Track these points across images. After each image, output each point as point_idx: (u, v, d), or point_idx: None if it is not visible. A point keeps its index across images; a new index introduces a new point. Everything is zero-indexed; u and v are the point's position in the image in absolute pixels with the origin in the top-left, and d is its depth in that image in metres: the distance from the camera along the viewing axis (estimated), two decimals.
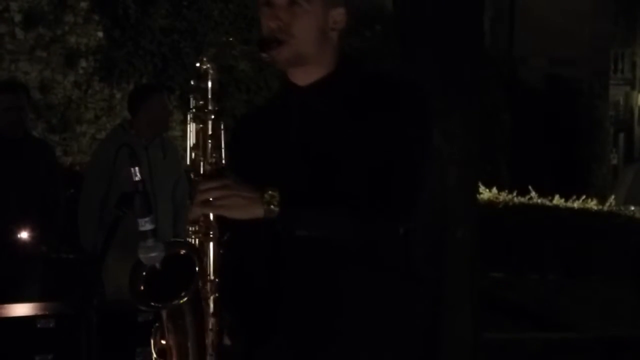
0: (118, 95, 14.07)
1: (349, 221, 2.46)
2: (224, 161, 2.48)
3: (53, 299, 5.74)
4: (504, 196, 12.73)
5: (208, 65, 2.48)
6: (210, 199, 2.41)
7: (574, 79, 25.28)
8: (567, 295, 10.64)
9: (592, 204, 13.23)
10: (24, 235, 5.96)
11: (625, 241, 11.62)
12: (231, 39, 2.52)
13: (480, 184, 10.95)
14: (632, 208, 13.78)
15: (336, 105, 2.55)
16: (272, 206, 2.40)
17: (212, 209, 2.42)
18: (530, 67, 24.45)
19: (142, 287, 2.42)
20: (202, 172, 2.47)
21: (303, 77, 2.60)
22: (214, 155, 2.47)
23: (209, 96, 2.48)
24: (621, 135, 38.65)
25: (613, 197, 14.80)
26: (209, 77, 2.48)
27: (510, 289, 10.68)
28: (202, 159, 2.47)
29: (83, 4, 13.77)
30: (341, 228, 2.47)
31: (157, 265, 2.40)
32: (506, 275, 11.19)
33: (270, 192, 2.41)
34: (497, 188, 12.94)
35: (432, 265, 5.70)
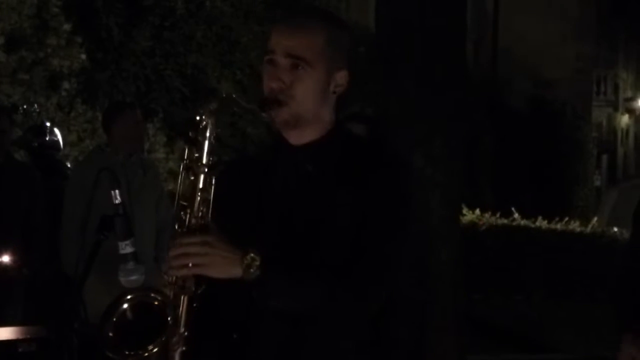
0: (101, 118, 14.04)
1: (320, 297, 2.43)
2: (210, 216, 2.44)
3: (35, 323, 5.70)
4: (487, 218, 12.74)
5: (207, 121, 2.44)
6: (189, 254, 2.38)
7: (557, 100, 25.39)
8: (551, 317, 10.65)
9: (575, 226, 13.26)
10: (5, 259, 5.92)
11: (608, 262, 11.63)
12: (234, 96, 2.48)
13: (463, 206, 10.97)
14: (615, 229, 13.81)
15: (325, 171, 2.53)
16: (251, 270, 2.37)
17: (189, 270, 2.39)
18: (514, 89, 24.54)
19: (110, 333, 2.39)
20: (186, 224, 2.43)
21: (297, 137, 2.57)
22: (201, 209, 2.43)
23: (205, 150, 2.44)
24: (604, 157, 38.82)
25: (596, 218, 14.83)
26: (207, 131, 2.44)
27: (494, 311, 10.68)
28: (188, 211, 2.44)
29: (66, 27, 13.74)
30: (312, 304, 2.44)
31: (129, 312, 2.38)
32: (490, 296, 11.18)
33: (251, 255, 2.38)
34: (481, 210, 12.95)
35: (416, 287, 5.68)
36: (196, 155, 2.44)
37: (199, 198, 2.43)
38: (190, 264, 2.38)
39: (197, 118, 2.44)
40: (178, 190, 2.46)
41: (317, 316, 2.47)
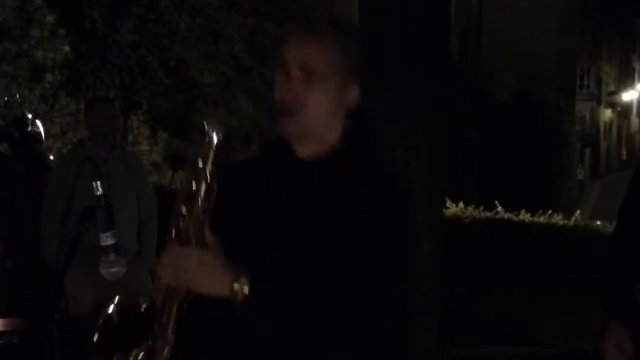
0: None
1: (306, 325, 2.40)
2: (208, 224, 2.39)
3: (17, 315, 5.69)
4: (470, 211, 12.74)
5: (214, 131, 2.38)
6: (182, 266, 2.35)
7: (541, 94, 25.46)
8: (534, 310, 10.66)
9: (558, 219, 13.28)
10: None
11: (591, 256, 11.66)
12: (233, 125, 2.42)
13: (446, 199, 10.97)
14: (598, 223, 13.84)
15: (329, 188, 2.49)
16: (237, 296, 2.34)
17: (177, 282, 2.37)
18: (497, 83, 24.59)
19: (96, 336, 2.38)
20: (183, 232, 2.39)
21: (304, 148, 2.52)
22: (200, 218, 2.38)
23: (209, 160, 2.39)
24: (587, 150, 38.97)
25: (579, 211, 14.86)
26: (213, 144, 2.38)
27: (477, 304, 10.69)
28: (188, 219, 2.39)
29: (49, 18, 13.71)
30: (297, 331, 2.41)
31: (115, 316, 2.37)
32: (473, 289, 11.20)
33: (242, 280, 2.34)
34: (464, 203, 12.95)
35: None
36: (200, 165, 2.39)
37: (199, 207, 2.39)
38: (180, 276, 2.36)
39: (205, 127, 2.38)
40: (179, 198, 2.40)
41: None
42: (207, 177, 2.38)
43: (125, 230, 5.67)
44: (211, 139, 2.39)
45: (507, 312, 10.55)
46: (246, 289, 2.34)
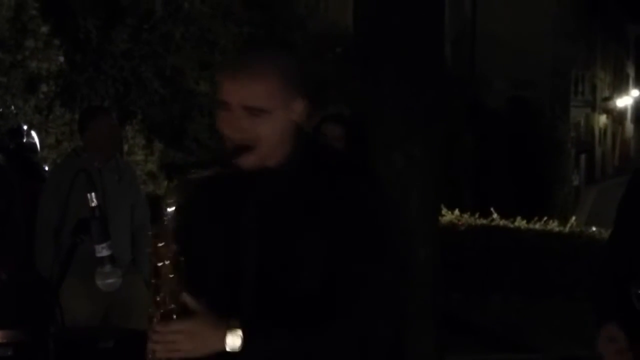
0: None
1: (305, 353, 2.44)
2: (183, 285, 2.43)
3: (11, 327, 5.67)
4: (466, 218, 12.76)
5: (168, 223, 2.42)
6: (174, 342, 2.40)
7: (536, 101, 25.48)
8: (531, 316, 10.66)
9: (554, 225, 13.29)
10: None
11: (587, 262, 11.66)
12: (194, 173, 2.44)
13: (442, 206, 10.98)
14: (594, 229, 13.86)
15: (290, 195, 2.50)
16: (235, 342, 2.39)
17: (174, 354, 2.42)
18: (492, 90, 24.61)
19: None
20: (164, 306, 2.43)
21: (256, 165, 2.51)
22: (177, 289, 2.43)
23: (169, 238, 2.42)
24: (582, 157, 38.99)
25: (575, 218, 14.88)
26: (170, 229, 2.42)
27: (473, 311, 10.69)
28: (164, 293, 2.43)
29: (44, 29, 13.67)
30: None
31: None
32: (469, 296, 11.20)
33: (233, 328, 2.38)
34: (460, 210, 12.96)
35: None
36: (162, 244, 2.42)
37: (172, 281, 2.42)
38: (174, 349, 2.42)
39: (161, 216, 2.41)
40: (149, 272, 2.44)
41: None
42: (170, 254, 2.42)
43: (120, 239, 5.66)
44: (169, 224, 2.42)
45: (503, 318, 10.55)
46: (239, 336, 2.39)
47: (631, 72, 53.97)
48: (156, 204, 2.44)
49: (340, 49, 16.48)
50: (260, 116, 2.45)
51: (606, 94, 46.72)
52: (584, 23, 33.82)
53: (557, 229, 13.19)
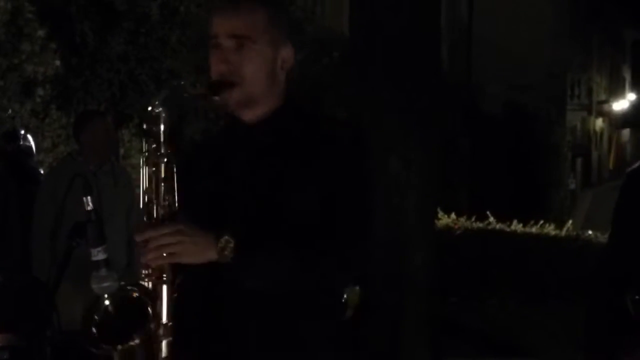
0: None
1: (300, 271, 2.47)
2: (177, 204, 2.47)
3: (7, 331, 5.67)
4: (462, 222, 12.76)
5: (160, 109, 2.46)
6: (163, 244, 2.41)
7: (532, 105, 25.49)
8: (526, 321, 10.66)
9: (550, 229, 13.30)
10: None
11: (583, 266, 11.67)
12: (183, 82, 2.51)
13: (438, 210, 10.98)
14: (590, 233, 13.86)
15: (281, 143, 2.58)
16: (225, 252, 2.40)
17: (165, 259, 2.42)
18: (488, 94, 24.62)
19: (94, 330, 2.43)
20: (154, 215, 2.46)
21: (250, 115, 2.60)
22: (166, 198, 2.46)
23: (161, 140, 2.46)
24: (579, 160, 39.00)
25: (571, 221, 14.88)
26: (161, 120, 2.46)
27: (469, 315, 10.69)
28: (155, 202, 2.46)
29: (40, 32, 13.68)
30: (292, 280, 2.47)
31: (110, 308, 2.42)
32: (465, 300, 11.19)
33: (225, 237, 2.41)
34: (456, 213, 12.96)
35: (391, 290, 5.69)
36: (154, 146, 2.47)
37: (162, 188, 2.46)
38: (165, 254, 2.41)
39: (149, 109, 2.46)
40: (142, 183, 2.48)
41: (300, 293, 2.49)
42: (164, 157, 2.46)
43: (115, 243, 5.66)
44: (159, 117, 2.46)
45: (499, 322, 10.55)
46: (231, 245, 2.40)
47: (627, 75, 53.97)
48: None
49: (337, 53, 16.49)
50: (246, 47, 2.53)
51: (602, 97, 46.74)
52: (580, 27, 33.86)
53: (553, 232, 13.19)
